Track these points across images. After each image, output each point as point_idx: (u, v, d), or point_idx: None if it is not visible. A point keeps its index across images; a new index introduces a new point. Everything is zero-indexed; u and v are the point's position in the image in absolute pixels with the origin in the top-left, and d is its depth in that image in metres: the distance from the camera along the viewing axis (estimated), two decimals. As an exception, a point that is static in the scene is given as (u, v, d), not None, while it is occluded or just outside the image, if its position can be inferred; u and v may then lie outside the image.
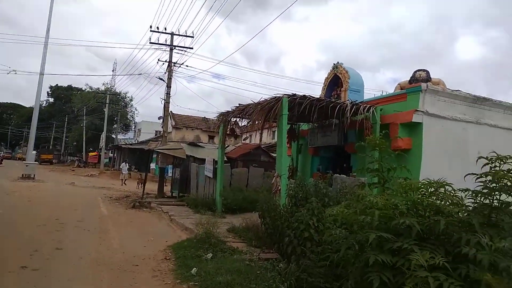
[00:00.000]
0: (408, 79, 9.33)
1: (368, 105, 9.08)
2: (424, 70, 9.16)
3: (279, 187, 7.71)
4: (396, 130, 8.57)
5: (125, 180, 25.90)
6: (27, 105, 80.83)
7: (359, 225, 3.60)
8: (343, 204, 4.02)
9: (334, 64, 11.80)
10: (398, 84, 9.89)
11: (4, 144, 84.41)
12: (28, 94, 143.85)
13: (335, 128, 10.13)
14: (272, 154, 16.31)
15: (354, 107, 8.87)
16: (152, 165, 30.82)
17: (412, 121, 8.39)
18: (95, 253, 6.64)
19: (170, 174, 20.26)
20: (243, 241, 7.32)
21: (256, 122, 9.27)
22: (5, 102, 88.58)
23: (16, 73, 25.12)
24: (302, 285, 4.30)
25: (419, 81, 8.86)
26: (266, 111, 8.42)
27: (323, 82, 12.61)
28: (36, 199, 14.43)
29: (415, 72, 9.21)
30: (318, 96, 11.23)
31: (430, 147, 8.40)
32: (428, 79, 8.92)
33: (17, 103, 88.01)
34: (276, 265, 5.09)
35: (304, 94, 8.72)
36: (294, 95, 8.54)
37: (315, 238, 4.87)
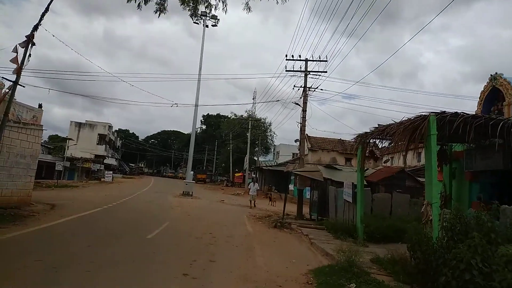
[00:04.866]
0: None
1: (544, 122, 7.43)
2: None
3: (430, 217, 6.91)
4: None
5: (254, 202, 23.80)
6: (185, 132, 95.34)
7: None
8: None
9: (491, 75, 10.35)
10: None
11: (168, 165, 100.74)
12: (183, 122, 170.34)
13: (499, 150, 8.58)
14: (419, 179, 14.82)
15: (524, 124, 7.38)
16: (290, 187, 31.91)
17: None
18: (243, 269, 7.16)
19: (308, 196, 20.52)
20: (388, 274, 6.77)
21: (399, 143, 8.62)
22: (169, 130, 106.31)
23: (177, 106, 29.83)
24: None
25: None
26: (410, 131, 7.75)
27: (479, 96, 11.15)
28: (193, 214, 16.69)
29: None
30: (474, 113, 9.86)
31: None
32: None
33: (177, 130, 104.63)
34: (430, 307, 4.54)
35: (455, 111, 7.74)
36: (444, 112, 7.65)
37: (480, 282, 4.16)
